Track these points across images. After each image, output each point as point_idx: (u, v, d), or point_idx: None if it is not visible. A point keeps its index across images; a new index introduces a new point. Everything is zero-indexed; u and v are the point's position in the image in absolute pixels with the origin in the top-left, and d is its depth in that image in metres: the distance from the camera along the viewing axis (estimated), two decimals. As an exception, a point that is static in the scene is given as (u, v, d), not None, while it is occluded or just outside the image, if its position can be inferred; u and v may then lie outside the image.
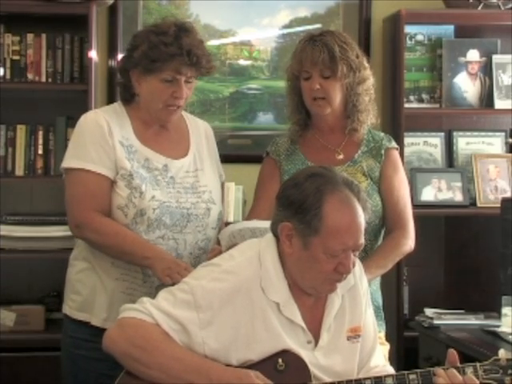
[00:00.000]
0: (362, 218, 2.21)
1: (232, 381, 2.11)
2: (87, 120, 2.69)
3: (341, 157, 2.90)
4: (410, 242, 2.85)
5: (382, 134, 2.97)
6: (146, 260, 2.55)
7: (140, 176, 2.62)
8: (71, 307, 2.71)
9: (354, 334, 2.32)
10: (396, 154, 2.95)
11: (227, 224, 2.84)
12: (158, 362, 2.13)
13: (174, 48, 2.60)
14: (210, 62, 2.70)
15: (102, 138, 2.62)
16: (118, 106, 2.75)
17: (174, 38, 2.62)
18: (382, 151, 2.90)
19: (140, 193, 2.60)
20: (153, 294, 2.57)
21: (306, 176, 2.24)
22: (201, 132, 2.83)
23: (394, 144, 2.95)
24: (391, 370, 2.38)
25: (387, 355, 2.82)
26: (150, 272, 2.60)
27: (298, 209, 2.19)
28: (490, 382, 2.18)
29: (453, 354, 2.22)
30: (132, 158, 2.64)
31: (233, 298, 2.18)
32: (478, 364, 2.20)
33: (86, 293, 2.67)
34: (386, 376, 2.20)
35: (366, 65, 2.89)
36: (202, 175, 2.74)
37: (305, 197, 2.19)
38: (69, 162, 2.66)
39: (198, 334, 2.16)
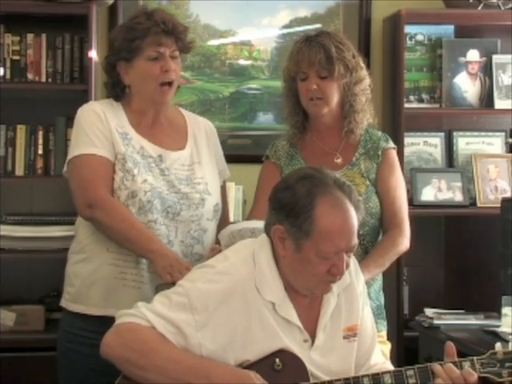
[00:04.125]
0: (354, 219, 2.20)
1: (231, 381, 2.11)
2: (83, 110, 2.75)
3: (339, 160, 2.90)
4: (405, 241, 2.85)
5: (380, 134, 2.97)
6: (149, 253, 2.57)
7: (133, 160, 2.65)
8: (66, 299, 2.74)
9: (351, 333, 2.31)
10: (393, 153, 2.94)
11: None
12: (155, 365, 2.13)
13: (149, 22, 2.68)
14: (187, 32, 2.76)
15: (100, 123, 2.67)
16: (112, 100, 2.79)
17: (146, 17, 2.70)
18: (379, 152, 2.91)
19: (132, 175, 2.63)
20: (145, 277, 2.61)
21: (297, 178, 2.23)
22: (201, 128, 2.85)
23: (391, 144, 2.95)
24: (391, 368, 2.37)
25: (388, 354, 2.83)
26: (143, 259, 2.62)
27: (289, 212, 2.19)
28: (487, 375, 2.19)
29: (450, 346, 2.23)
30: (127, 144, 2.68)
31: (228, 299, 2.18)
32: (475, 358, 2.20)
33: (80, 284, 2.69)
34: (383, 372, 2.20)
35: (362, 65, 2.90)
36: (199, 168, 2.76)
37: (296, 200, 2.18)
38: (72, 152, 2.69)
39: (195, 336, 2.16)
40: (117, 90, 2.77)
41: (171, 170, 2.71)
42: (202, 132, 2.85)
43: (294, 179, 2.24)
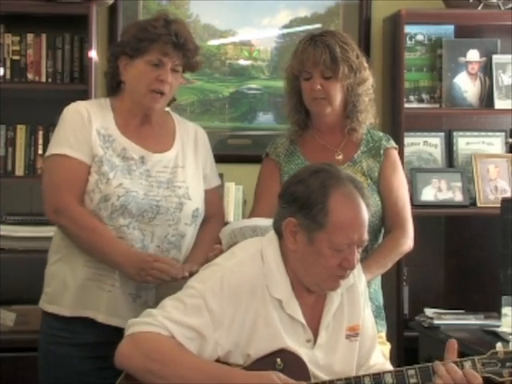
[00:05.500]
0: (366, 214, 2.22)
1: (253, 382, 2.11)
2: (68, 110, 2.73)
3: (340, 157, 2.91)
4: (409, 242, 2.86)
5: (381, 134, 2.98)
6: (118, 265, 2.58)
7: (111, 164, 2.64)
8: (44, 300, 2.73)
9: (353, 333, 2.32)
10: (395, 153, 2.95)
11: (227, 224, 2.84)
12: (178, 374, 2.12)
13: (162, 30, 2.66)
14: (196, 52, 2.74)
15: (81, 124, 2.66)
16: (103, 99, 2.79)
17: (163, 24, 2.68)
18: (381, 151, 2.91)
19: (107, 179, 2.62)
20: (117, 281, 2.61)
21: (310, 172, 2.25)
22: (189, 133, 2.83)
23: (392, 144, 2.96)
24: (390, 368, 2.37)
25: (388, 355, 2.82)
26: None
27: (303, 204, 2.20)
28: (488, 375, 2.19)
29: (453, 343, 2.23)
30: (107, 147, 2.66)
31: (239, 296, 2.19)
32: (476, 358, 2.21)
33: (55, 284, 2.69)
34: (384, 372, 2.20)
35: (366, 65, 2.90)
36: (182, 172, 2.74)
37: (310, 192, 2.20)
38: (49, 149, 2.70)
39: (212, 336, 2.16)
40: (113, 83, 2.77)
41: (152, 172, 2.69)
42: (191, 137, 2.82)
43: (306, 173, 2.26)
